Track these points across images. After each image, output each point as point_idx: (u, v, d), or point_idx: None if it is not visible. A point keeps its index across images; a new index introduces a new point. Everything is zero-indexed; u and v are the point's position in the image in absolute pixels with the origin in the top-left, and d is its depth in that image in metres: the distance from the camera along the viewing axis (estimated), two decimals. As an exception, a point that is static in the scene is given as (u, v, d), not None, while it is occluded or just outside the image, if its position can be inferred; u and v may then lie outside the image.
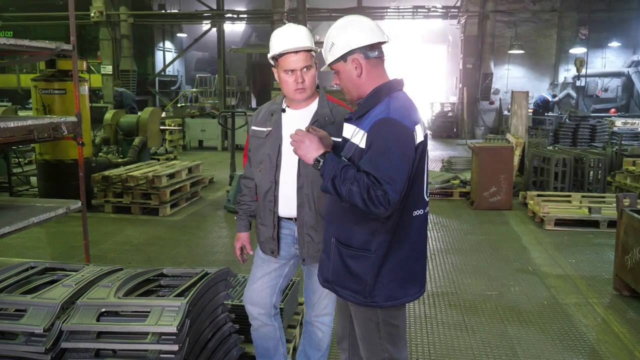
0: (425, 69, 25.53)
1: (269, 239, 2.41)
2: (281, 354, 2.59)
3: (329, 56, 2.00)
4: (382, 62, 2.00)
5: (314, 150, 1.90)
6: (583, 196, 6.67)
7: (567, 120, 12.77)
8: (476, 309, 3.92)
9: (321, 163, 1.87)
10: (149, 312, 2.17)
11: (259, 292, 2.48)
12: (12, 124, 3.12)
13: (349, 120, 2.02)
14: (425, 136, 1.94)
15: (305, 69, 2.24)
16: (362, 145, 1.86)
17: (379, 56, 1.98)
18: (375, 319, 1.97)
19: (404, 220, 1.89)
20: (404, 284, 1.94)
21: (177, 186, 6.92)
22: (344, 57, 1.95)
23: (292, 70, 2.24)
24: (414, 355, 3.24)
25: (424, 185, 1.94)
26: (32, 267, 2.66)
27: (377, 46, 1.96)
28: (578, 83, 16.63)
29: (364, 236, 1.90)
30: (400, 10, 16.62)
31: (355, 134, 1.92)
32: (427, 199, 1.97)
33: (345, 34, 1.95)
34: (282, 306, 2.87)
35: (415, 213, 1.91)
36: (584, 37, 16.31)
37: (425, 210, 1.97)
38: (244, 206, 2.55)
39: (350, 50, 1.93)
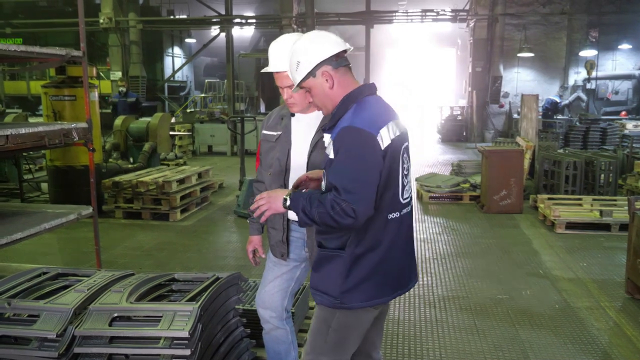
0: (434, 72, 25.50)
1: (278, 242, 2.42)
2: (292, 358, 2.59)
3: (297, 75, 2.00)
4: (349, 69, 2.02)
5: (278, 199, 1.95)
6: (594, 199, 6.62)
7: (577, 123, 12.69)
8: (487, 312, 3.90)
9: (288, 202, 1.91)
10: (161, 316, 2.18)
11: (271, 295, 2.49)
12: (23, 131, 3.16)
13: (324, 130, 2.03)
14: (399, 137, 1.93)
15: (288, 87, 2.26)
16: (332, 155, 1.88)
17: (345, 64, 2.00)
18: (329, 322, 1.97)
19: (378, 224, 1.90)
20: (377, 286, 1.93)
21: (187, 191, 6.96)
22: (313, 72, 1.96)
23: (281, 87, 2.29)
24: (426, 359, 3.23)
25: (399, 188, 1.93)
26: (44, 273, 2.68)
27: (341, 55, 1.98)
28: (588, 86, 16.51)
29: (337, 238, 1.93)
30: (409, 14, 16.61)
31: (329, 145, 1.95)
32: (404, 201, 1.96)
33: (310, 50, 1.96)
34: (293, 310, 2.87)
35: (391, 216, 1.92)
36: (594, 40, 16.19)
37: (403, 212, 1.96)
38: None
39: (318, 64, 1.95)
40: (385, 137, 1.86)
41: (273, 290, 2.49)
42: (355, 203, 1.77)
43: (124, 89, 11.85)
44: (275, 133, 2.42)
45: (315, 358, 2.01)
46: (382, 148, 1.85)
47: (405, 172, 1.98)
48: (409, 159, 2.04)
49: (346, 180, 1.80)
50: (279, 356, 2.58)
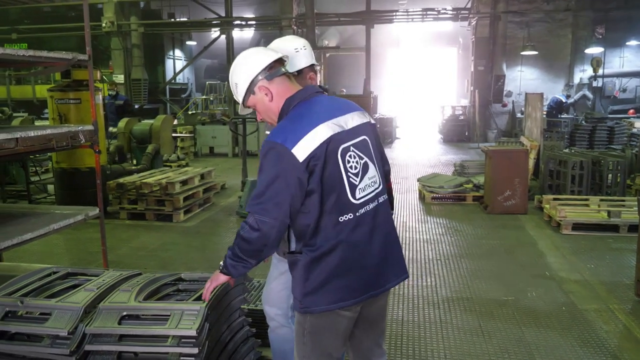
0: (436, 72, 25.49)
1: (282, 240, 2.42)
2: None
3: (239, 97, 2.05)
4: (287, 77, 2.03)
5: (216, 272, 2.07)
6: (601, 200, 6.57)
7: (583, 122, 12.61)
8: (492, 314, 3.88)
9: (221, 266, 2.03)
10: (169, 315, 2.20)
11: (276, 293, 2.51)
12: (32, 134, 3.20)
13: None
14: (333, 139, 1.88)
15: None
16: None
17: (282, 73, 2.01)
18: (303, 325, 1.98)
19: (328, 227, 1.88)
20: (339, 289, 1.91)
21: (190, 192, 6.97)
22: (251, 90, 2.00)
23: None
24: (431, 360, 3.23)
25: (345, 190, 1.89)
26: (54, 272, 2.71)
27: (275, 66, 2.00)
28: (595, 84, 16.22)
29: (297, 241, 1.97)
30: (410, 13, 16.57)
31: None
32: (358, 202, 1.92)
33: (242, 69, 2.02)
34: (299, 310, 2.88)
35: (343, 219, 1.89)
36: (600, 37, 15.93)
37: (360, 213, 1.92)
38: None
39: (253, 80, 1.98)
40: (305, 147, 1.83)
41: (278, 288, 2.51)
42: (259, 214, 1.84)
43: (114, 92, 11.86)
44: None
45: None
46: (302, 159, 1.82)
47: (355, 172, 1.92)
48: (365, 155, 1.97)
49: (254, 194, 1.86)
50: (284, 355, 2.59)
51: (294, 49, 2.30)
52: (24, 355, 2.25)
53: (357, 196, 1.92)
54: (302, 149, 1.83)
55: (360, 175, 1.93)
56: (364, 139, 1.99)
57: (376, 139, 2.08)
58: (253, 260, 1.96)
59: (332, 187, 1.87)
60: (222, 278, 2.06)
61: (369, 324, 2.10)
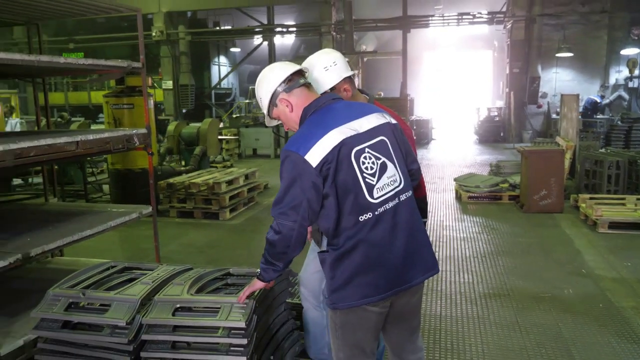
0: (471, 74, 25.17)
1: (315, 231, 2.47)
2: (325, 343, 2.65)
3: (265, 110, 2.19)
4: (306, 87, 2.13)
5: (255, 280, 2.23)
6: (638, 199, 6.46)
7: (619, 122, 12.34)
8: (529, 310, 3.91)
9: (260, 273, 2.17)
10: (219, 308, 2.35)
11: (310, 275, 2.62)
12: (91, 137, 3.43)
13: None
14: (345, 143, 1.93)
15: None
16: None
17: (301, 84, 2.11)
18: (334, 320, 2.05)
19: (349, 227, 1.94)
20: (363, 286, 1.96)
21: (236, 192, 7.22)
22: (273, 103, 2.13)
23: None
24: (468, 354, 3.29)
25: (362, 190, 1.94)
26: (112, 267, 2.91)
27: (293, 78, 2.11)
28: (631, 84, 15.80)
29: (325, 238, 2.06)
30: (445, 18, 16.54)
31: None
32: (376, 201, 1.96)
33: (263, 84, 2.15)
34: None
35: (363, 218, 1.94)
36: (636, 38, 15.45)
37: (379, 212, 1.96)
38: None
39: (273, 93, 2.11)
40: (317, 153, 1.91)
41: (313, 270, 2.59)
42: (280, 218, 1.96)
43: None
44: None
45: (335, 355, 2.11)
46: (315, 165, 1.90)
47: (371, 172, 1.96)
48: (383, 155, 2.01)
49: (275, 200, 1.98)
50: (314, 337, 2.69)
51: (324, 68, 2.33)
52: (85, 344, 2.43)
53: (375, 195, 1.96)
54: (315, 155, 1.91)
55: (377, 175, 1.97)
56: (382, 139, 2.03)
57: (398, 139, 2.10)
58: (280, 263, 2.07)
59: (347, 190, 1.93)
60: (259, 284, 2.22)
61: (398, 320, 2.14)
